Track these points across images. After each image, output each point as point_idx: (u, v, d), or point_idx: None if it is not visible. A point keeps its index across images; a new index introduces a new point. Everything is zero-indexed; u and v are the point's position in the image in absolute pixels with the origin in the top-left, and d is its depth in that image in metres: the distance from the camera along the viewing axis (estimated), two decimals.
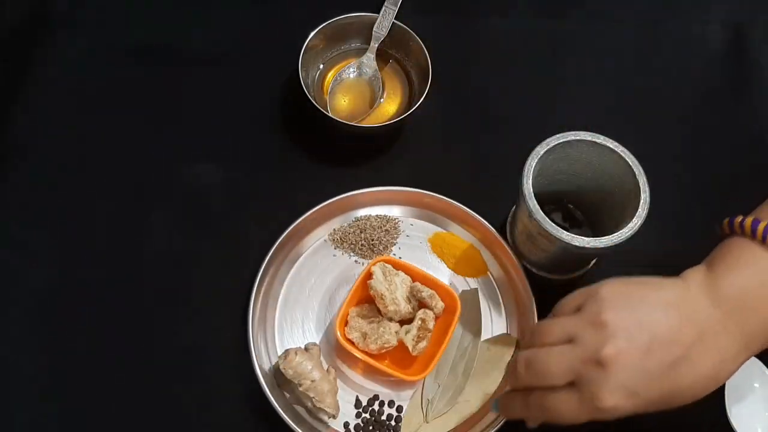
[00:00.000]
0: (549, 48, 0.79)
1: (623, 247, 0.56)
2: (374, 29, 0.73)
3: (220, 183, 0.70)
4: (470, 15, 0.79)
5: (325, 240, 0.68)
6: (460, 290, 0.67)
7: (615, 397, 0.45)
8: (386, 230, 0.68)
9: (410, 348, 0.61)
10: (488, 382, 0.63)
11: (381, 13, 0.73)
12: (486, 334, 0.65)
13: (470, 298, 0.66)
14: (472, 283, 0.68)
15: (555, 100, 0.76)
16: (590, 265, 0.66)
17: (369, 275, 0.63)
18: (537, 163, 0.58)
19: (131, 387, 0.62)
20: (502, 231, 0.68)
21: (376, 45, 0.74)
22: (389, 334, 0.61)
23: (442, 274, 0.68)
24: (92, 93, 0.74)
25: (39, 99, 0.73)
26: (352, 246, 0.68)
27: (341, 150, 0.72)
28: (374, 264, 0.63)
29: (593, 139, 0.58)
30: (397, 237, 0.69)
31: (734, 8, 0.81)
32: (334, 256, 0.68)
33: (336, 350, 0.65)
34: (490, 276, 0.68)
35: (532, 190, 0.56)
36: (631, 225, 0.55)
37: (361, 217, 0.69)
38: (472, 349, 0.64)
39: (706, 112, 0.75)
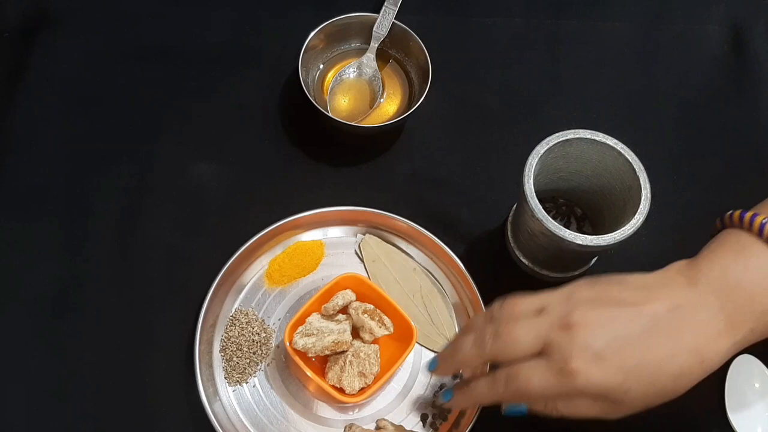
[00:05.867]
0: (548, 47, 0.79)
1: (624, 244, 0.56)
2: (374, 29, 0.73)
3: (219, 183, 0.70)
4: (470, 15, 0.79)
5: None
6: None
7: (582, 360, 0.44)
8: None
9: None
10: None
11: (381, 13, 0.73)
12: None
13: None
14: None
15: (555, 100, 0.76)
16: (591, 263, 0.66)
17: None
18: (537, 162, 0.57)
19: (130, 385, 0.62)
20: (501, 230, 0.68)
21: (376, 45, 0.74)
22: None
23: None
24: (92, 93, 0.74)
25: (39, 99, 0.73)
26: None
27: (341, 150, 0.72)
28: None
29: (592, 137, 0.58)
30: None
31: (734, 8, 0.81)
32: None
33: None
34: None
35: (533, 189, 0.56)
36: (633, 222, 0.55)
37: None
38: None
39: (706, 111, 0.75)
